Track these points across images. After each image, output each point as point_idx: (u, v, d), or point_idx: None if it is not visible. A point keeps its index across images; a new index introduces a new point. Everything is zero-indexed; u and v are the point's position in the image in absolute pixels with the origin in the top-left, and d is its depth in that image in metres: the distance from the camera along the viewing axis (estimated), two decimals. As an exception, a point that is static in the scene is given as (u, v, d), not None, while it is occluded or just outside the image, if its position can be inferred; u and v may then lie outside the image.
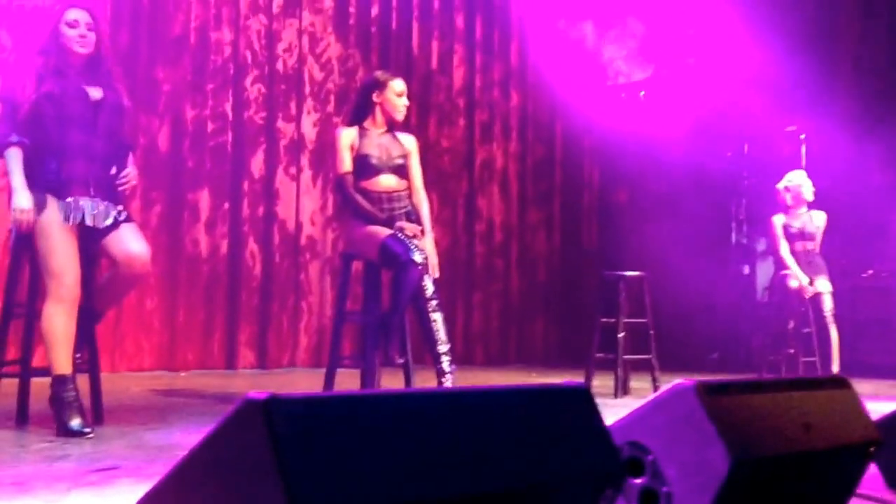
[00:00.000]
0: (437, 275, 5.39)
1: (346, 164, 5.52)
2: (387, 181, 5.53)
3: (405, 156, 5.62)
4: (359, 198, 5.47)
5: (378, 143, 5.57)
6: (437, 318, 5.30)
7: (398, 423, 1.61)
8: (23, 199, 4.25)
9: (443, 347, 5.27)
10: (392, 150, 5.60)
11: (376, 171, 5.51)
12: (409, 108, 5.78)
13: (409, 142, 5.70)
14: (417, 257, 5.17)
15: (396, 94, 5.62)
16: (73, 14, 4.45)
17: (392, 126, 5.68)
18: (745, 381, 2.29)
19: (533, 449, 1.79)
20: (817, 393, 2.45)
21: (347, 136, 5.56)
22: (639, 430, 2.20)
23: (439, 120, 10.28)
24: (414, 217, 5.55)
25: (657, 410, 2.20)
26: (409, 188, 5.63)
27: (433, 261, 5.39)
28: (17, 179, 4.26)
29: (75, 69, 4.44)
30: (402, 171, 5.58)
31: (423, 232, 5.47)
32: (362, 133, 5.58)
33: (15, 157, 4.28)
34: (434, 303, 5.31)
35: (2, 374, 4.43)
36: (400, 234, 5.29)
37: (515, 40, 10.97)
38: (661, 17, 10.62)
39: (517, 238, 10.91)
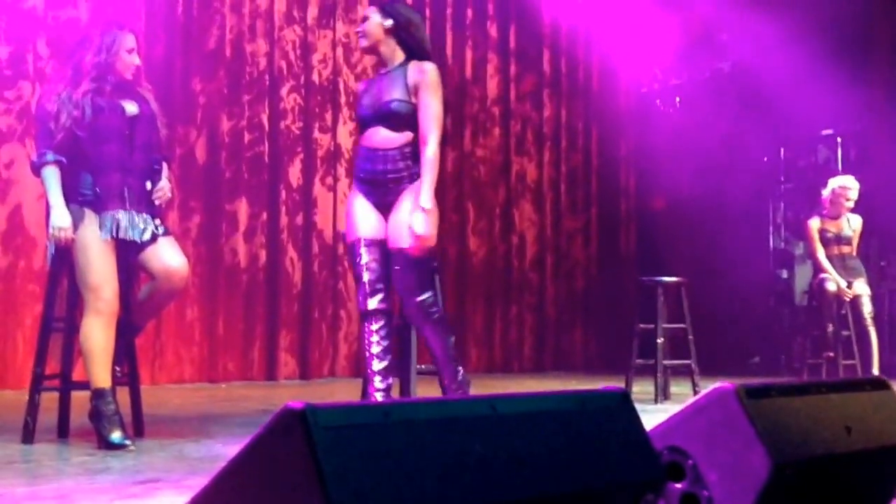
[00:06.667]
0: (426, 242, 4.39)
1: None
2: (375, 135, 4.52)
3: (404, 98, 4.49)
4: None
5: (374, 88, 4.63)
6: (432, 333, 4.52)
7: (436, 431, 1.61)
8: (60, 216, 4.28)
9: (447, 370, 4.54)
10: (385, 91, 4.53)
11: (363, 122, 4.60)
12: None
13: (416, 73, 4.50)
14: (371, 304, 4.49)
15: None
16: (131, 41, 4.49)
17: (410, 57, 4.59)
18: (785, 384, 2.28)
19: (573, 455, 1.79)
20: (858, 395, 2.43)
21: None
22: (679, 435, 2.19)
23: (474, 130, 10.29)
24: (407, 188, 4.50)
25: (697, 414, 2.18)
26: (413, 141, 4.49)
27: (421, 231, 4.36)
28: (55, 197, 4.30)
29: (112, 86, 4.47)
30: (396, 119, 4.47)
31: (415, 203, 4.40)
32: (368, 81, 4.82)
33: (52, 175, 4.31)
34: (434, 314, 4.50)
35: (43, 388, 4.45)
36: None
37: (548, 49, 10.96)
38: (695, 22, 10.58)
39: (553, 246, 10.90)
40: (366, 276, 4.50)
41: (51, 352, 4.60)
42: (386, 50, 4.59)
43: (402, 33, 4.58)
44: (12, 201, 7.27)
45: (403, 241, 4.41)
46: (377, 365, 4.50)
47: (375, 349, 4.50)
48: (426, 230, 4.37)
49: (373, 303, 4.50)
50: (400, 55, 4.58)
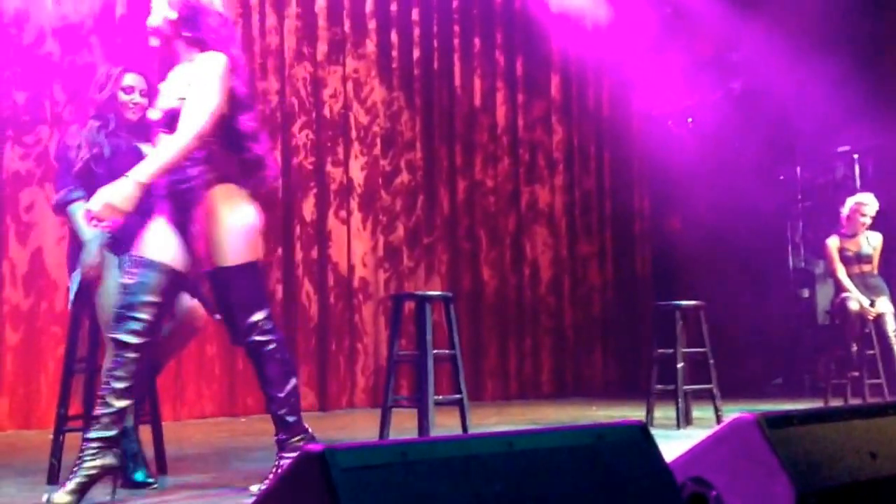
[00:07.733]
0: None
1: None
2: (159, 143, 3.89)
3: (175, 96, 3.81)
4: None
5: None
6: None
7: (454, 470, 1.61)
8: (93, 253, 4.31)
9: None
10: (166, 89, 3.94)
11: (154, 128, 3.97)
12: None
13: (194, 66, 3.82)
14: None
15: None
16: (130, 80, 4.53)
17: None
18: (807, 411, 2.26)
19: (593, 491, 1.78)
20: (882, 420, 2.40)
21: None
22: (701, 465, 2.18)
23: (484, 159, 10.27)
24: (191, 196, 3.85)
25: (719, 445, 2.17)
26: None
27: (95, 207, 3.62)
28: (88, 233, 4.31)
29: (127, 128, 4.51)
30: (172, 122, 3.75)
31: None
32: None
33: (80, 211, 4.34)
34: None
35: (67, 428, 4.48)
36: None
37: (557, 74, 10.98)
38: (705, 42, 10.59)
39: (570, 270, 10.89)
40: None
41: (74, 392, 4.62)
42: (178, 46, 3.90)
43: (189, 25, 3.85)
44: (33, 244, 7.30)
45: (220, 257, 3.88)
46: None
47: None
48: (100, 207, 3.61)
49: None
50: (192, 51, 3.88)
